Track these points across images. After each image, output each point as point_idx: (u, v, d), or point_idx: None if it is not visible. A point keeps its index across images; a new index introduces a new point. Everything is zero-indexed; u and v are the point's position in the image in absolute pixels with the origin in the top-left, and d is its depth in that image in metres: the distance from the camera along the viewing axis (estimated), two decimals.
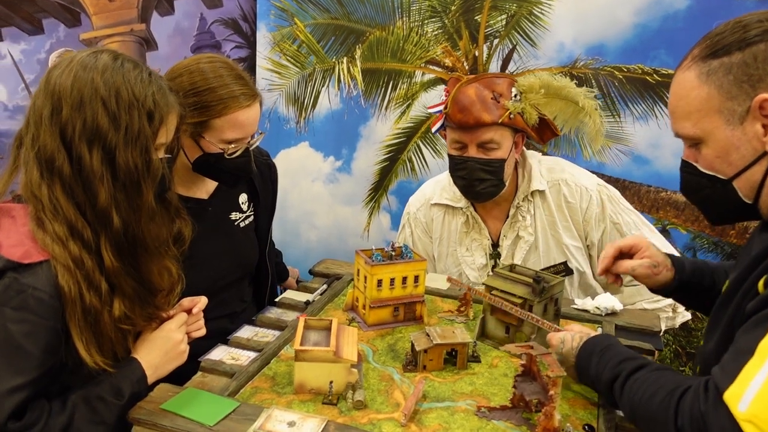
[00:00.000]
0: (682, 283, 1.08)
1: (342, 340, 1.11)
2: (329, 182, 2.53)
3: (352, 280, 1.41)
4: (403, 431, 0.98)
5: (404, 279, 1.32)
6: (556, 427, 0.97)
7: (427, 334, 1.18)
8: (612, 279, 1.13)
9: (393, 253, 1.34)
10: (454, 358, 1.18)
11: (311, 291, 1.43)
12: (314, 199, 2.55)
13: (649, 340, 1.33)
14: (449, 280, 1.42)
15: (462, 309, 1.40)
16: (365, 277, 1.31)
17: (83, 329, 0.92)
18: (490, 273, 1.62)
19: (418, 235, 1.72)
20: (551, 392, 0.96)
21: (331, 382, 1.04)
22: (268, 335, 1.25)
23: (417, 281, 1.33)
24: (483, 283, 1.29)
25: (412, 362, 1.17)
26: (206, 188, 1.41)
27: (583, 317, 1.40)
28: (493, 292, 1.26)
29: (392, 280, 1.31)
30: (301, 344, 1.07)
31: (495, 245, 1.64)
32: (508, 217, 1.62)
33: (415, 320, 1.35)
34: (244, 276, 1.50)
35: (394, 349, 1.24)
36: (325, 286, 1.46)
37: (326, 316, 1.33)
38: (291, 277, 1.77)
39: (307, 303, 1.38)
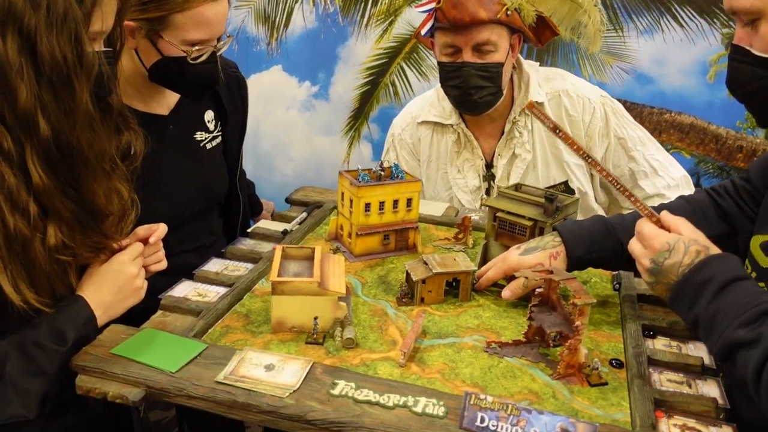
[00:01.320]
0: (580, 263, 0.99)
1: (327, 270, 0.94)
2: (305, 110, 2.33)
3: (335, 208, 1.24)
4: (403, 373, 0.83)
5: (395, 202, 1.15)
6: (582, 363, 0.83)
7: (425, 263, 1.02)
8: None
9: (382, 173, 1.17)
10: (455, 289, 1.03)
11: (288, 220, 1.26)
12: (289, 129, 2.35)
13: None
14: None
15: (460, 236, 1.24)
16: (351, 201, 1.14)
17: (8, 260, 0.74)
18: (484, 196, 1.46)
19: (404, 157, 1.55)
20: (577, 323, 0.81)
21: (315, 319, 0.89)
22: (240, 268, 1.09)
23: (410, 205, 1.17)
24: (485, 205, 1.13)
25: (408, 294, 1.01)
26: (166, 102, 1.21)
27: None
28: (498, 214, 1.10)
29: (381, 204, 1.14)
30: (279, 275, 0.91)
31: (489, 166, 1.48)
32: (503, 134, 1.45)
33: (408, 249, 1.19)
34: (212, 206, 1.32)
35: (386, 281, 1.08)
36: (304, 215, 1.29)
37: (308, 242, 1.16)
38: (266, 210, 1.59)
39: (285, 233, 1.21)
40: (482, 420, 0.70)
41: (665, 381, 0.84)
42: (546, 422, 0.69)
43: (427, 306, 1.01)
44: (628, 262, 0.87)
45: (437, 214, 1.37)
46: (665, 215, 0.80)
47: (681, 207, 0.93)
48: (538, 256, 0.96)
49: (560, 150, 1.42)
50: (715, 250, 0.74)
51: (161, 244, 0.99)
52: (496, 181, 1.47)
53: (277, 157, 2.38)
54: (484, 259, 1.15)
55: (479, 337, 0.92)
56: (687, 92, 1.95)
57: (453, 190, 1.50)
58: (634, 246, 0.81)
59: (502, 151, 1.45)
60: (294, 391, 0.76)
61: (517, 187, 1.18)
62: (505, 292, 0.97)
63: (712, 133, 1.96)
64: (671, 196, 1.34)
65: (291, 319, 0.90)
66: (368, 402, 0.74)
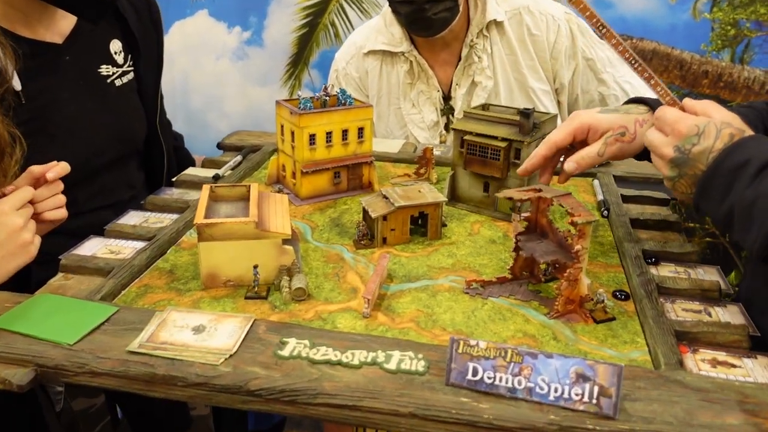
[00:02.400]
0: None
1: (267, 210, 0.77)
2: (237, 59, 2.12)
3: (275, 150, 1.05)
4: (368, 324, 0.67)
5: (344, 133, 0.98)
6: (584, 297, 0.69)
7: (385, 197, 0.86)
8: (547, 178, 0.84)
9: (327, 100, 0.99)
10: (422, 227, 0.87)
11: (220, 166, 1.08)
12: (221, 81, 2.13)
13: (658, 188, 1.06)
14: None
15: (422, 171, 1.08)
16: (292, 133, 0.97)
17: None
18: (443, 132, 1.30)
19: (350, 94, 1.37)
20: (577, 247, 0.66)
21: (255, 268, 0.71)
22: (163, 220, 0.90)
23: (362, 136, 1.00)
24: (453, 128, 0.97)
25: (367, 235, 0.85)
26: (58, 28, 1.00)
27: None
28: (466, 138, 0.94)
29: (329, 135, 0.97)
30: (207, 217, 0.73)
31: (446, 98, 1.32)
32: (460, 60, 1.29)
33: (362, 189, 1.03)
34: (129, 154, 1.12)
35: (340, 223, 0.91)
36: (239, 158, 1.11)
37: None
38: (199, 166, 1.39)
39: (216, 178, 1.02)
40: (474, 372, 0.55)
41: (680, 311, 0.70)
42: (557, 368, 0.53)
43: (391, 247, 0.84)
44: None
45: (393, 151, 1.20)
46: (688, 101, 0.65)
47: (739, 112, 0.69)
48: (622, 117, 0.76)
49: (524, 75, 1.27)
50: (748, 130, 0.62)
51: (61, 185, 0.80)
52: (455, 114, 1.31)
53: (210, 112, 2.16)
54: (452, 192, 0.99)
55: (456, 277, 0.77)
56: (648, 16, 1.82)
57: (408, 127, 1.33)
58: (653, 135, 0.67)
59: (460, 79, 1.29)
60: (231, 356, 0.59)
61: (485, 107, 1.02)
62: (569, 164, 0.77)
63: (675, 59, 1.84)
64: None
65: (225, 270, 0.73)
66: (327, 362, 0.58)
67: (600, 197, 1.00)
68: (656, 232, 0.90)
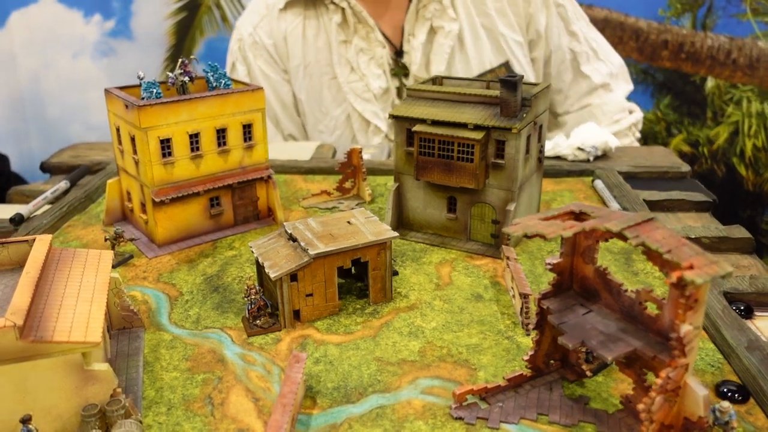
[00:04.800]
0: None
1: (59, 289, 0.39)
2: (102, 55, 1.68)
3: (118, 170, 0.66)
4: None
5: (221, 134, 0.61)
6: (696, 419, 0.35)
7: (291, 237, 0.49)
8: None
9: (186, 82, 0.61)
10: (358, 281, 0.51)
11: (34, 197, 0.68)
12: (83, 84, 1.69)
13: (680, 185, 0.75)
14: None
15: (348, 185, 0.72)
16: (132, 140, 0.59)
17: None
18: (396, 101, 0.97)
19: (261, 69, 0.99)
20: (684, 329, 0.32)
21: (25, 424, 0.33)
22: None
23: (250, 136, 0.63)
24: (392, 116, 0.62)
25: (265, 308, 0.48)
26: None
27: (562, 168, 0.78)
28: (416, 129, 0.59)
29: (194, 139, 0.60)
30: None
31: (398, 53, 0.97)
32: (411, 1, 0.95)
33: (258, 220, 0.66)
34: None
35: (220, 285, 0.54)
36: (63, 184, 0.71)
37: (69, 234, 0.61)
38: None
39: (16, 221, 0.63)
40: None
41: None
42: None
43: (308, 327, 0.48)
44: None
45: (303, 158, 0.84)
46: None
47: None
48: None
49: (492, 18, 0.94)
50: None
51: None
52: (411, 74, 0.96)
53: (72, 124, 1.71)
54: (399, 217, 0.64)
55: (432, 382, 0.42)
56: None
57: (349, 100, 0.97)
58: None
59: (414, 26, 0.94)
60: None
61: (435, 80, 0.67)
62: None
63: (630, 28, 1.57)
64: (615, 86, 1.01)
65: None
66: None
67: (613, 205, 0.67)
68: (716, 254, 0.58)
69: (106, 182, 0.67)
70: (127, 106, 0.58)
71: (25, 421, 0.35)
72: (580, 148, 0.80)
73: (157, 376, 0.44)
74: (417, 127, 0.59)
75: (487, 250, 0.60)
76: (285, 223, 0.52)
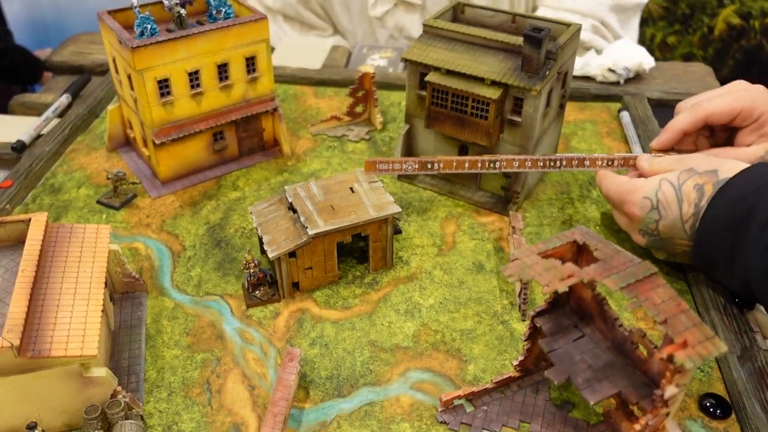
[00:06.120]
0: None
1: (56, 288, 0.39)
2: None
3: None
4: None
5: (222, 69, 0.58)
6: None
7: (291, 208, 0.49)
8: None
9: (183, 13, 0.57)
10: (362, 242, 0.51)
11: (39, 110, 0.67)
12: None
13: None
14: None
15: (359, 110, 0.69)
16: (129, 78, 0.56)
17: None
18: None
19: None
20: (669, 391, 0.33)
21: (32, 428, 0.35)
22: None
23: (254, 68, 0.60)
24: (405, 59, 0.57)
25: (265, 280, 0.49)
26: None
27: (589, 91, 0.74)
28: (430, 79, 0.55)
29: (194, 77, 0.56)
30: None
31: None
32: None
33: (264, 151, 0.64)
34: None
35: (223, 237, 0.54)
36: (64, 99, 0.69)
37: (73, 162, 0.60)
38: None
39: (18, 148, 0.62)
40: None
41: None
42: None
43: (308, 296, 0.49)
44: None
45: (313, 66, 0.79)
46: (642, 160, 0.53)
47: None
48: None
49: None
50: (724, 167, 0.48)
51: None
52: None
53: None
54: (408, 156, 0.62)
55: (421, 374, 0.43)
56: None
57: None
58: (620, 221, 0.54)
59: None
60: None
61: (457, 7, 0.61)
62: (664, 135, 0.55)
63: None
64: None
65: None
66: None
67: (636, 149, 0.64)
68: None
69: (107, 109, 0.64)
70: (121, 43, 0.54)
71: (32, 427, 0.38)
72: (611, 69, 0.75)
73: (158, 353, 0.45)
74: (430, 77, 0.55)
75: (495, 204, 0.59)
76: (286, 188, 0.51)
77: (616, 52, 0.75)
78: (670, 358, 0.31)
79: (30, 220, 0.44)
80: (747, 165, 0.48)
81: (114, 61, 0.59)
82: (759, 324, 0.49)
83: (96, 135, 0.68)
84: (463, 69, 0.54)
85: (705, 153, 0.54)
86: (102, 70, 0.78)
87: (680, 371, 0.33)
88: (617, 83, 0.75)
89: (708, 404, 0.42)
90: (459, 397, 0.42)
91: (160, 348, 0.46)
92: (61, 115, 0.69)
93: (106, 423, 0.39)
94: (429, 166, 0.54)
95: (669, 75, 0.78)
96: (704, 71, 0.80)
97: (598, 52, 0.78)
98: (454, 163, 0.54)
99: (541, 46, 0.51)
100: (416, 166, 0.55)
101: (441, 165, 0.54)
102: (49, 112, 0.67)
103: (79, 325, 0.39)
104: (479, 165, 0.54)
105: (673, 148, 0.55)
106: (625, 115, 0.70)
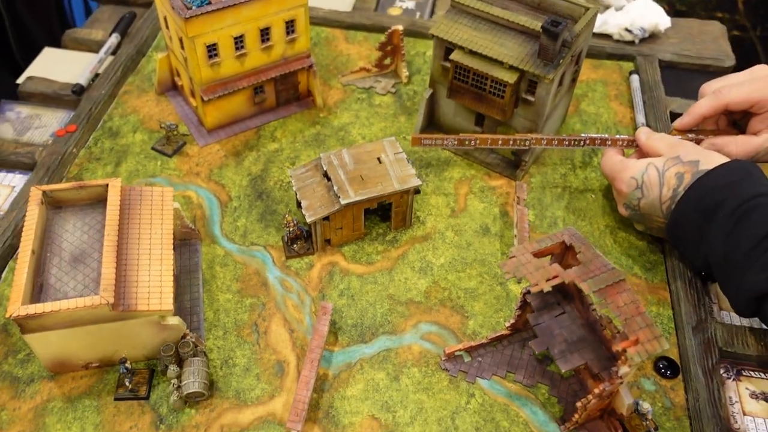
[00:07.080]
0: None
1: (132, 247, 0.48)
2: None
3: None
4: None
5: (264, 33, 0.63)
6: (622, 415, 0.46)
7: (326, 176, 0.56)
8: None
9: None
10: (385, 205, 0.59)
11: (90, 48, 0.73)
12: None
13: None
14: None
15: (387, 63, 0.74)
16: (181, 41, 0.61)
17: None
18: None
19: None
20: (623, 370, 0.42)
21: (123, 363, 0.46)
22: None
23: (293, 30, 0.65)
24: (432, 34, 0.62)
25: (302, 236, 0.57)
26: None
27: (604, 50, 0.78)
28: (454, 57, 0.60)
29: (239, 41, 0.62)
30: (32, 298, 0.45)
31: None
32: None
33: (299, 101, 0.71)
34: None
35: (264, 189, 0.62)
36: (114, 39, 0.75)
37: (126, 105, 0.67)
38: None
39: (78, 91, 0.69)
40: None
41: (749, 400, 0.49)
42: None
43: (337, 251, 0.58)
44: None
45: (344, 8, 0.83)
46: (641, 133, 0.60)
47: None
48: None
49: None
50: (709, 158, 0.54)
51: None
52: None
53: None
54: (430, 118, 0.68)
55: (430, 327, 0.53)
56: None
57: None
58: (614, 192, 0.61)
59: None
60: None
61: None
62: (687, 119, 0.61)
63: None
64: None
65: (80, 354, 0.48)
66: None
67: (639, 119, 0.70)
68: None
69: (157, 57, 0.70)
70: (174, 9, 0.59)
71: (123, 361, 0.48)
72: (627, 29, 0.78)
73: (213, 296, 0.55)
74: (454, 55, 0.60)
75: (505, 168, 0.66)
76: (321, 155, 0.58)
77: (635, 11, 0.78)
78: (624, 351, 0.40)
79: (108, 185, 0.52)
80: (728, 160, 0.55)
81: (165, 19, 0.64)
82: (718, 296, 0.58)
83: (144, 76, 0.74)
84: (484, 51, 0.59)
85: (713, 139, 0.60)
86: (146, 2, 0.83)
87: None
88: (632, 42, 0.79)
89: (661, 365, 0.52)
90: (459, 350, 0.52)
91: (214, 292, 0.55)
92: (113, 53, 0.75)
93: (178, 358, 0.49)
94: (467, 143, 0.61)
95: (684, 34, 0.81)
96: (719, 32, 0.83)
97: (618, 9, 0.81)
98: (489, 141, 0.61)
99: (557, 39, 0.56)
100: (455, 142, 0.61)
101: (477, 142, 0.61)
102: (101, 54, 0.73)
103: (156, 283, 0.48)
104: (511, 143, 0.61)
105: (691, 129, 0.61)
106: (635, 79, 0.75)
